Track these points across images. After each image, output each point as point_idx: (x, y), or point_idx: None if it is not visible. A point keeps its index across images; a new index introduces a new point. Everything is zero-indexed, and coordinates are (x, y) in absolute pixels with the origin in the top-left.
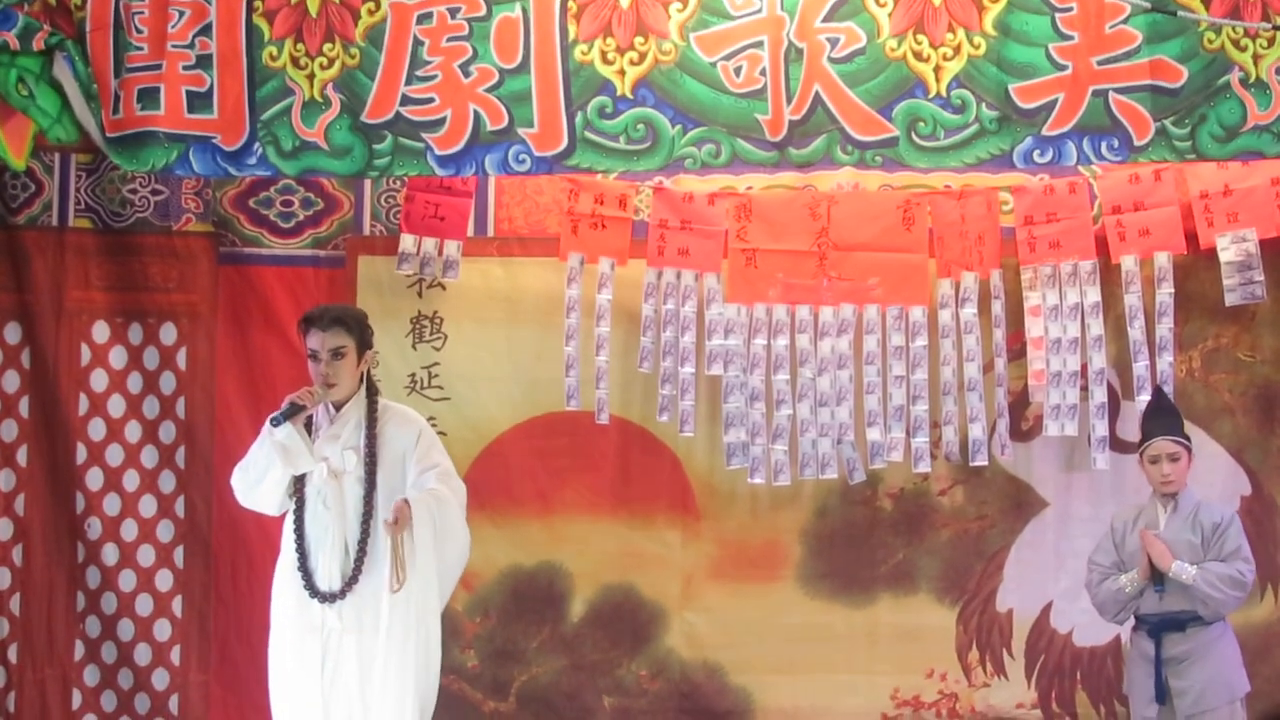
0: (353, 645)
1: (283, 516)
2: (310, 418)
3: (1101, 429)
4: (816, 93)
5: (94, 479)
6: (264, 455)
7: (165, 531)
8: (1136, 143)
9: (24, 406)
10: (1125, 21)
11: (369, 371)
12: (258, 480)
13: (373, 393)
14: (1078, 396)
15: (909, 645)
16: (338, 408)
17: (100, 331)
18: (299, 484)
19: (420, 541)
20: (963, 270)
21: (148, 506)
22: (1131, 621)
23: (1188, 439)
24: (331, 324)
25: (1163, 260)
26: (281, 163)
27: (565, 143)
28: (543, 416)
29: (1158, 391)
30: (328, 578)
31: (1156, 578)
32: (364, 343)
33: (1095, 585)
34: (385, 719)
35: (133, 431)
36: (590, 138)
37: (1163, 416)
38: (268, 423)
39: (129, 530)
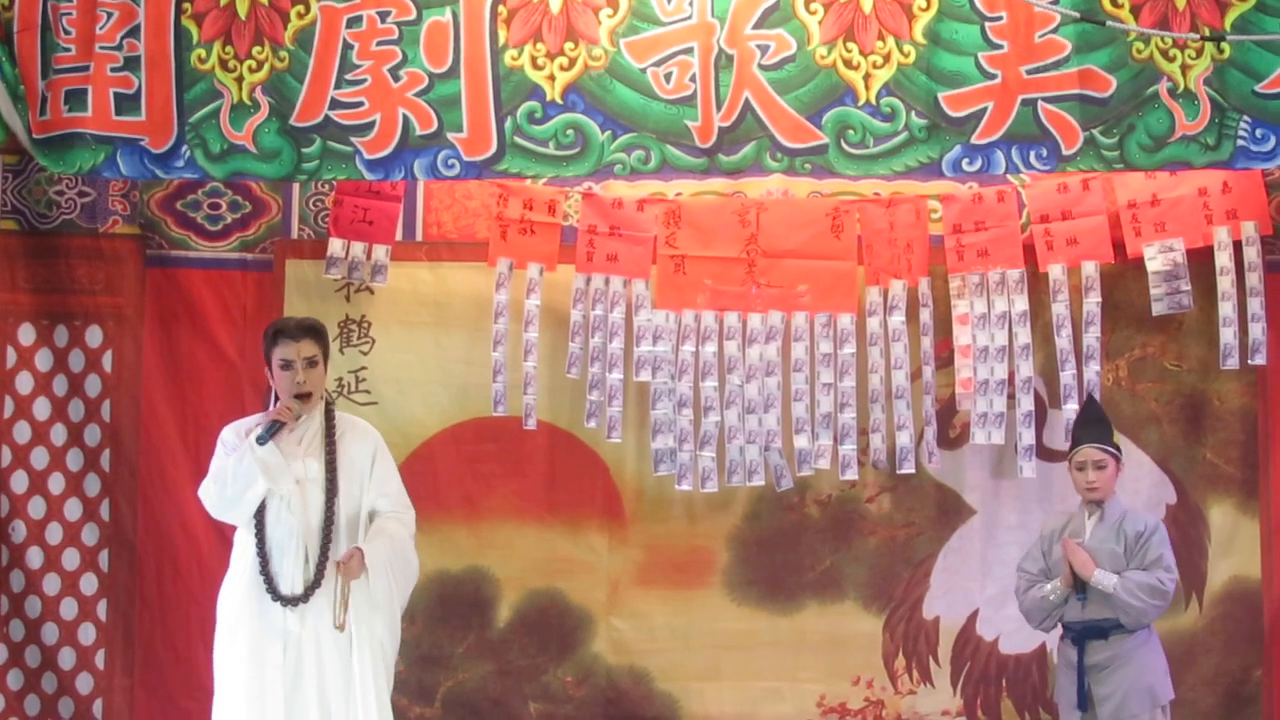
0: (311, 648)
1: (210, 522)
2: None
3: (1028, 437)
4: (746, 99)
5: (18, 482)
6: (244, 472)
7: (90, 535)
8: (1065, 152)
9: None
10: (1054, 31)
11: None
12: (237, 496)
13: (329, 402)
14: (1005, 405)
15: (835, 652)
16: (296, 418)
17: (26, 334)
18: None
19: (380, 587)
20: (891, 278)
21: (73, 510)
22: (1060, 629)
23: (1117, 448)
24: (304, 334)
25: (1090, 269)
26: (209, 165)
27: (494, 148)
28: (470, 421)
29: (1089, 400)
30: (290, 582)
31: (1079, 586)
32: (328, 353)
33: (1022, 592)
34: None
35: (58, 434)
36: (520, 143)
37: (1091, 425)
38: (252, 441)
39: (54, 533)
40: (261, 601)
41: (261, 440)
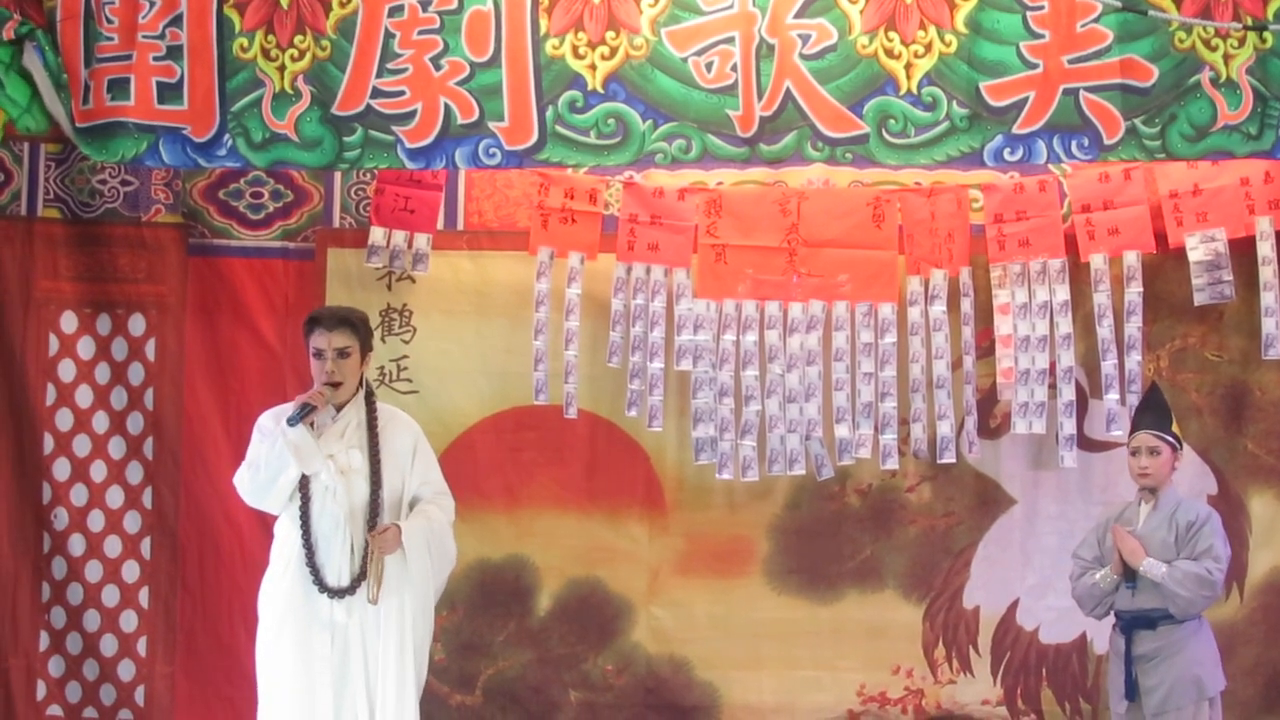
0: (358, 637)
1: (252, 510)
2: (313, 420)
3: (1069, 427)
4: (787, 89)
5: (61, 469)
6: (277, 455)
7: (132, 522)
8: (1106, 141)
9: None
10: (1096, 20)
11: (365, 377)
12: (270, 481)
13: (370, 394)
14: (1046, 394)
15: (875, 641)
16: (338, 408)
17: (68, 322)
18: (304, 482)
19: (417, 563)
20: (932, 267)
21: (115, 497)
22: (1112, 618)
23: (1175, 436)
24: (338, 324)
25: (1132, 259)
26: (251, 154)
27: (536, 137)
28: (511, 410)
29: (1152, 386)
30: (336, 573)
31: (1128, 574)
32: (366, 345)
33: (1075, 579)
34: (394, 708)
35: (100, 422)
36: (561, 132)
37: (1150, 411)
38: (282, 422)
39: (96, 521)
40: (308, 593)
41: (292, 421)
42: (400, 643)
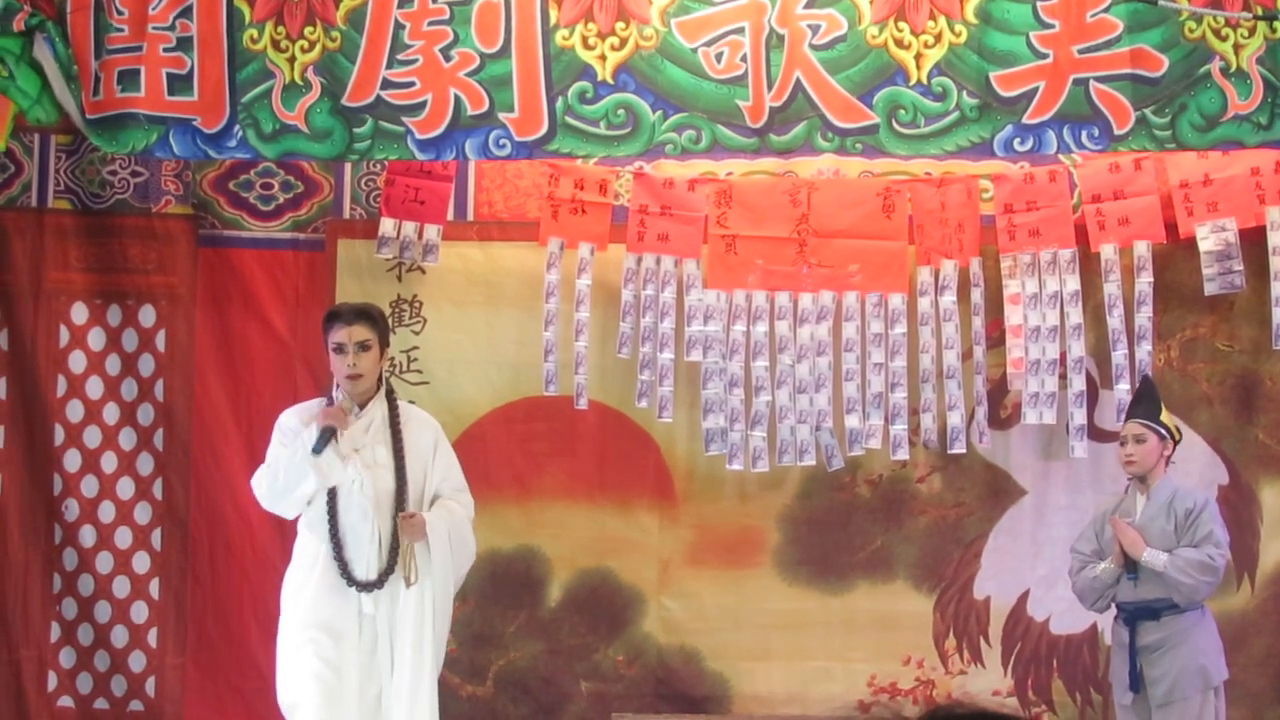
0: (385, 629)
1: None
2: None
3: (1080, 417)
4: (797, 79)
5: (72, 460)
6: (296, 469)
7: (143, 513)
8: (1117, 131)
9: (1, 388)
10: (1106, 10)
11: (384, 373)
12: (288, 489)
13: (391, 391)
14: (1056, 385)
15: (886, 632)
16: (361, 405)
17: (79, 313)
18: None
19: (438, 552)
20: (942, 258)
21: (125, 488)
22: (1115, 610)
23: (1162, 425)
24: (357, 318)
25: (1142, 249)
26: (262, 145)
27: (546, 128)
28: (521, 401)
29: (1143, 378)
30: (365, 566)
31: (1130, 566)
32: (384, 339)
33: (1075, 573)
34: (413, 695)
35: (111, 413)
36: (571, 123)
37: (1140, 402)
38: (307, 451)
39: (106, 512)
40: (336, 586)
41: (316, 450)
42: (420, 630)
